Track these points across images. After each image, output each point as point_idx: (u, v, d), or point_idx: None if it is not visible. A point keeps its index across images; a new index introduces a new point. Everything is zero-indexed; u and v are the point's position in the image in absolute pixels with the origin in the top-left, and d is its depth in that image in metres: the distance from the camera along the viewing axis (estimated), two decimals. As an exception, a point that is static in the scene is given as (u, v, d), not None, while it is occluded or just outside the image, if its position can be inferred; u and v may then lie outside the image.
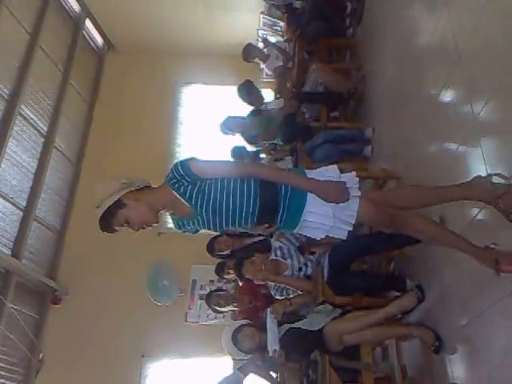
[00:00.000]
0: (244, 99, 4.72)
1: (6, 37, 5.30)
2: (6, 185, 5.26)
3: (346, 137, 3.95)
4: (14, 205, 5.39)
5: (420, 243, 2.49)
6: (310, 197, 1.86)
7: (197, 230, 2.01)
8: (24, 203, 5.55)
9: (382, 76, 3.80)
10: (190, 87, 7.38)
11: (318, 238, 1.97)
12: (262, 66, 6.28)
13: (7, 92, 5.32)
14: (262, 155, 5.02)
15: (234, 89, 7.15)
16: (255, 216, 1.87)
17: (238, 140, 4.75)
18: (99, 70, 7.37)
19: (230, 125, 4.54)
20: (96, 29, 7.21)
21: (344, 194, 1.83)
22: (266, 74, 6.51)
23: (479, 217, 2.11)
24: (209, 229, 1.94)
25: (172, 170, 1.84)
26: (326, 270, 3.00)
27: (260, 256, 3.25)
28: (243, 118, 4.56)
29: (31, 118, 5.76)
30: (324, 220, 1.88)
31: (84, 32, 6.98)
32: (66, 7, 6.62)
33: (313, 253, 3.36)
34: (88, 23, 7.04)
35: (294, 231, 1.98)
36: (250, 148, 4.92)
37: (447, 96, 2.51)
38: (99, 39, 7.41)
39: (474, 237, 1.96)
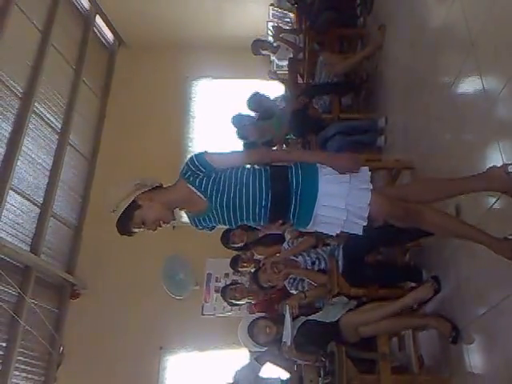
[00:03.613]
0: (255, 109, 5.01)
1: (18, 35, 5.35)
2: (23, 182, 5.35)
3: (359, 127, 3.91)
4: (31, 201, 5.48)
5: (434, 235, 2.47)
6: (322, 187, 1.88)
7: (213, 227, 2.04)
8: (41, 200, 5.63)
9: (394, 65, 3.75)
10: (201, 81, 7.39)
11: (334, 234, 1.98)
12: (273, 57, 6.27)
13: (21, 90, 5.39)
14: (274, 148, 5.02)
15: (245, 82, 7.24)
16: (267, 210, 1.89)
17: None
18: (110, 66, 7.40)
19: (245, 132, 4.61)
20: (106, 25, 7.24)
21: (357, 162, 1.90)
22: (277, 66, 6.49)
23: (496, 206, 2.09)
24: (223, 224, 1.96)
25: (187, 163, 1.90)
26: (340, 262, 3.01)
27: (267, 259, 3.29)
28: (252, 120, 4.61)
29: (45, 116, 5.83)
30: (337, 213, 1.89)
31: (94, 28, 7.02)
32: (76, 4, 6.65)
33: (327, 244, 3.36)
34: (98, 20, 7.08)
35: (308, 227, 1.98)
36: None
37: (462, 84, 2.48)
38: (110, 35, 7.44)
39: (490, 227, 1.95)
